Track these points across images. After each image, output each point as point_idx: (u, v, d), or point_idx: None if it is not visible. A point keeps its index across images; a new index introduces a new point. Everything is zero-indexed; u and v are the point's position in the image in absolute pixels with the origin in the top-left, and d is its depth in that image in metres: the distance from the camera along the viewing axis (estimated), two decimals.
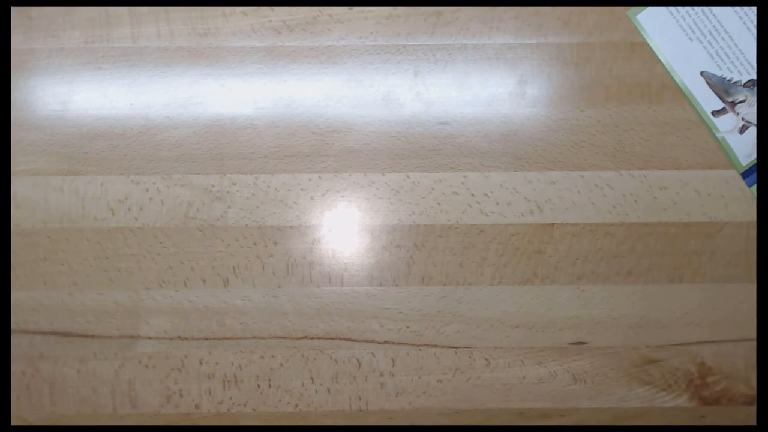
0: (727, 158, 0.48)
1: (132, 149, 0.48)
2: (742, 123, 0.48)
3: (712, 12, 0.49)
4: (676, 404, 0.48)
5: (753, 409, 0.48)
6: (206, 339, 0.48)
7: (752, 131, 0.48)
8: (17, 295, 0.48)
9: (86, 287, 0.48)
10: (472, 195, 0.48)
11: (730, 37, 0.48)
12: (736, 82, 0.48)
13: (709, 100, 0.48)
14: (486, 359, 0.48)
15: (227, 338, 0.48)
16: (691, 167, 0.48)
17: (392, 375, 0.48)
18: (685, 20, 0.49)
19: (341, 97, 0.49)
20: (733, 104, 0.48)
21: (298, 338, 0.48)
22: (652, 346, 0.48)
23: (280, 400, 0.48)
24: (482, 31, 0.49)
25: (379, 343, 0.48)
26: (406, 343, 0.48)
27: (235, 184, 0.48)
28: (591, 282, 0.48)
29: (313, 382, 0.48)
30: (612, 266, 0.48)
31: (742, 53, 0.48)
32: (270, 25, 0.49)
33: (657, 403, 0.48)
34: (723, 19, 0.49)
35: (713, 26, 0.49)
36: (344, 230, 0.48)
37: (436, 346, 0.48)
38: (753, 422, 0.48)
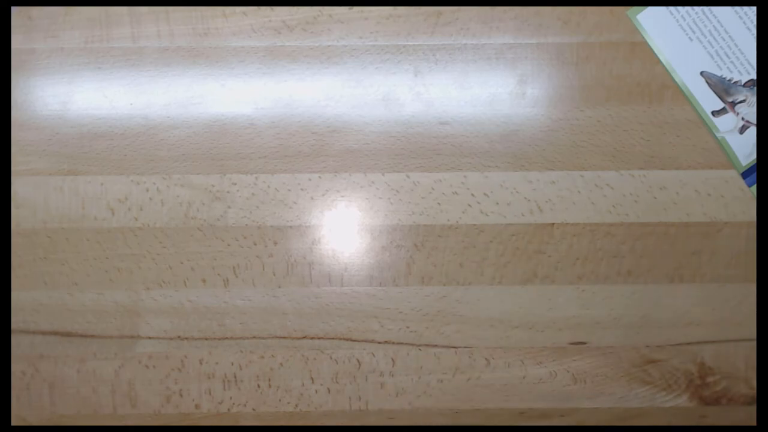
0: (727, 158, 0.48)
1: (132, 149, 0.48)
2: (742, 123, 0.48)
3: (712, 12, 0.49)
4: (676, 404, 0.48)
5: (753, 409, 0.48)
6: (206, 339, 0.48)
7: (752, 131, 0.48)
8: (17, 295, 0.48)
9: (86, 287, 0.48)
10: (472, 195, 0.48)
11: (730, 37, 0.48)
12: (736, 82, 0.48)
13: (709, 100, 0.48)
14: (486, 359, 0.48)
15: (227, 338, 0.48)
16: (691, 167, 0.48)
17: (392, 375, 0.48)
18: (685, 20, 0.49)
19: (341, 97, 0.49)
20: (733, 104, 0.48)
21: (298, 338, 0.48)
22: (652, 346, 0.48)
23: (280, 400, 0.48)
24: (482, 31, 0.49)
25: (379, 343, 0.48)
26: (406, 343, 0.48)
27: (235, 184, 0.48)
28: (591, 282, 0.48)
29: (313, 382, 0.48)
30: (612, 266, 0.48)
31: (742, 53, 0.48)
32: (270, 25, 0.49)
33: (657, 403, 0.48)
34: (723, 19, 0.49)
35: (713, 26, 0.49)
36: (344, 230, 0.48)
37: (436, 346, 0.48)
38: (753, 422, 0.48)
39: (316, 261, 0.48)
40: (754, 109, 0.48)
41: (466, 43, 0.49)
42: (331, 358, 0.48)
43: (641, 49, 0.49)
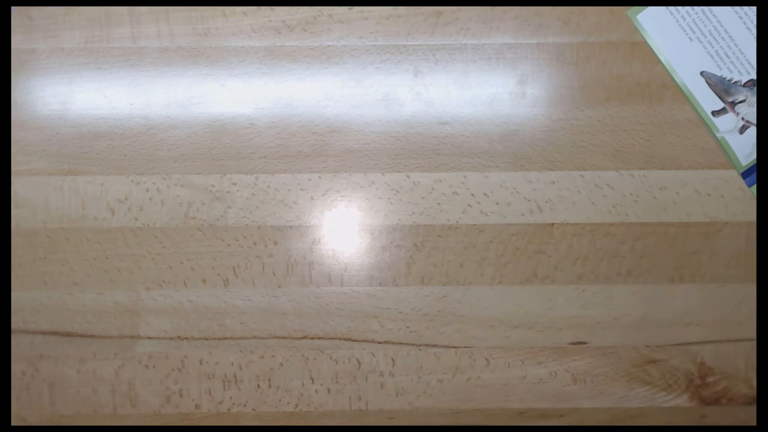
0: (727, 158, 0.48)
1: (132, 149, 0.48)
2: (742, 123, 0.48)
3: (712, 12, 0.49)
4: (676, 404, 0.48)
5: (753, 409, 0.48)
6: (206, 339, 0.48)
7: (752, 131, 0.48)
8: (17, 295, 0.48)
9: (86, 287, 0.48)
10: (472, 195, 0.48)
11: (730, 37, 0.48)
12: (736, 82, 0.48)
13: (709, 100, 0.48)
14: (486, 359, 0.48)
15: (227, 338, 0.48)
16: (691, 167, 0.48)
17: (392, 375, 0.48)
18: (685, 20, 0.49)
19: (341, 97, 0.49)
20: (733, 104, 0.48)
21: (298, 338, 0.48)
22: (652, 346, 0.48)
23: (280, 400, 0.48)
24: (482, 31, 0.49)
25: (379, 343, 0.48)
26: (406, 343, 0.48)
27: (235, 184, 0.48)
28: (591, 282, 0.48)
29: (313, 382, 0.48)
30: (612, 266, 0.48)
31: (742, 53, 0.48)
32: (270, 25, 0.49)
33: (657, 403, 0.48)
34: (723, 19, 0.49)
35: (713, 26, 0.49)
36: (344, 230, 0.48)
37: (436, 346, 0.48)
38: (753, 422, 0.48)
39: (316, 261, 0.48)
40: (754, 109, 0.48)
41: (466, 43, 0.49)
42: (331, 358, 0.48)
43: (641, 49, 0.49)
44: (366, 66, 0.49)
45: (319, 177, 0.48)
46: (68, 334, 0.48)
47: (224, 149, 0.48)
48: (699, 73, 0.49)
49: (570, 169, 0.48)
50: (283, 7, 0.49)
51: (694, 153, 0.48)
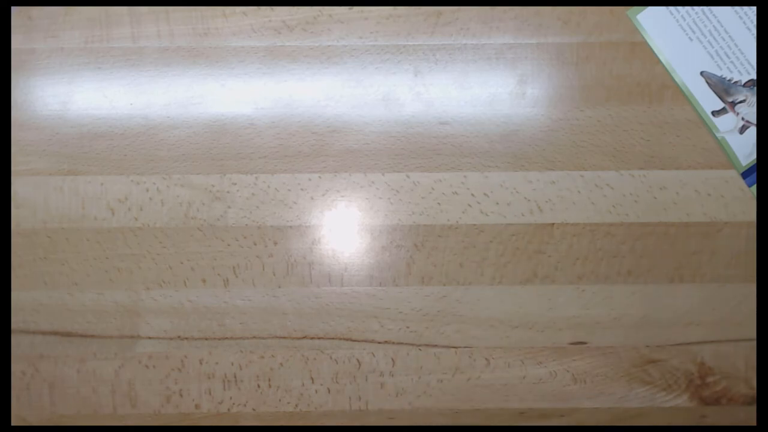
0: (727, 158, 0.48)
1: (132, 149, 0.48)
2: (742, 123, 0.48)
3: (712, 12, 0.49)
4: (676, 404, 0.48)
5: (753, 409, 0.48)
6: (206, 339, 0.48)
7: (752, 131, 0.48)
8: (17, 295, 0.48)
9: (86, 287, 0.48)
10: (472, 195, 0.48)
11: (730, 37, 0.48)
12: (736, 82, 0.48)
13: (709, 100, 0.48)
14: (486, 359, 0.48)
15: (227, 338, 0.48)
16: (691, 167, 0.48)
17: (392, 375, 0.48)
18: (685, 20, 0.49)
19: (341, 97, 0.49)
20: (733, 104, 0.48)
21: (298, 338, 0.48)
22: (652, 346, 0.48)
23: (280, 400, 0.48)
24: (482, 31, 0.49)
25: (379, 343, 0.48)
26: (406, 343, 0.48)
27: (235, 184, 0.48)
28: (591, 282, 0.48)
29: (313, 382, 0.48)
30: (612, 266, 0.48)
31: (742, 53, 0.48)
32: (270, 25, 0.49)
33: (657, 403, 0.48)
34: (723, 19, 0.49)
35: (713, 26, 0.49)
36: (344, 230, 0.48)
37: (436, 346, 0.48)
38: (753, 422, 0.48)
39: (316, 261, 0.48)
40: (754, 109, 0.48)
41: (466, 43, 0.49)
42: (331, 358, 0.48)
43: (641, 49, 0.49)
44: (366, 66, 0.49)
45: (319, 177, 0.48)
46: (68, 334, 0.48)
47: (224, 149, 0.48)
48: (699, 73, 0.49)
49: (570, 169, 0.48)
50: (283, 7, 0.49)
51: (694, 153, 0.48)
